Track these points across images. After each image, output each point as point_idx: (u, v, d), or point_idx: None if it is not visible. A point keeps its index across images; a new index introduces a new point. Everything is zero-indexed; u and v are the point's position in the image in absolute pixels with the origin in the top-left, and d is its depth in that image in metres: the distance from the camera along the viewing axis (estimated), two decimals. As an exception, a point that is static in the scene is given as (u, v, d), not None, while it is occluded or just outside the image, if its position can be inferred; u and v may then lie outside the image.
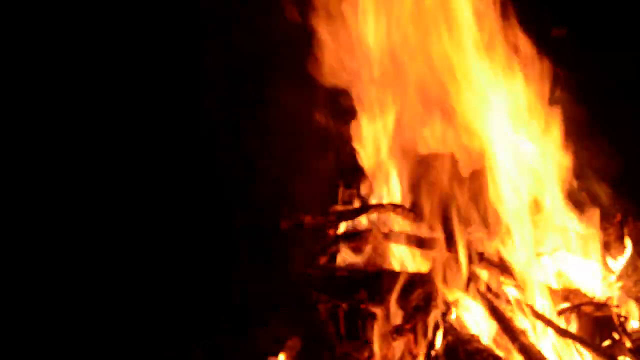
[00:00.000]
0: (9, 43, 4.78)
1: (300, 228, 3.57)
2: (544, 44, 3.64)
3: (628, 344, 3.17)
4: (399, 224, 3.60)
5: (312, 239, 3.61)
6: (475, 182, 3.47)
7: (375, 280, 3.29)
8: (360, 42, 3.66)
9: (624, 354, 3.15)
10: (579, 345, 3.17)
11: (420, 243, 3.46)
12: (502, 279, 3.33)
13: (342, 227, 3.64)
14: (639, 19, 4.67)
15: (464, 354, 3.08)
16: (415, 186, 3.58)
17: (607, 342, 3.18)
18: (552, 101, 3.62)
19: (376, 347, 3.19)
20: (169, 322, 3.94)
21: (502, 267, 3.35)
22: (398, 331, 3.14)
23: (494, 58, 3.58)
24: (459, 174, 3.49)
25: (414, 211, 3.55)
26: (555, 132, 3.59)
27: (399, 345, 3.17)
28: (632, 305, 3.40)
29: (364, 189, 3.77)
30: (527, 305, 3.23)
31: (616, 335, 3.18)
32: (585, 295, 3.36)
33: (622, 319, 3.26)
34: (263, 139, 4.56)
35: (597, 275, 3.47)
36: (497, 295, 3.27)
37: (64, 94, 4.85)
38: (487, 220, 3.41)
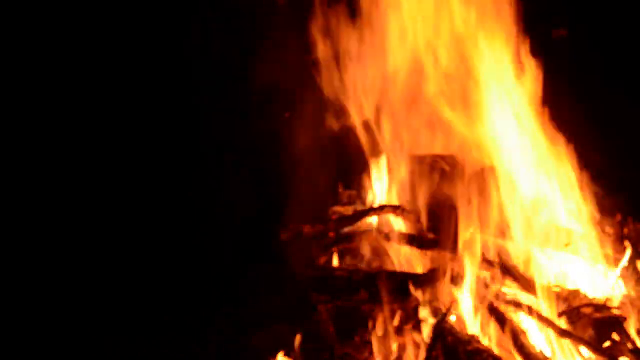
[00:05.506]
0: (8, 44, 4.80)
1: (300, 237, 3.58)
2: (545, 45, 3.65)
3: (628, 345, 3.17)
4: (399, 224, 3.60)
5: (313, 241, 3.62)
6: (475, 182, 3.48)
7: (375, 280, 3.29)
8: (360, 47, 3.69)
9: (624, 355, 3.14)
10: (579, 346, 3.17)
11: (421, 243, 3.47)
12: (502, 279, 3.33)
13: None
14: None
15: (464, 354, 3.07)
16: (415, 187, 3.59)
17: (607, 343, 3.17)
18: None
19: (376, 347, 3.19)
20: (169, 322, 3.94)
21: (503, 268, 3.35)
22: (398, 331, 3.15)
23: (496, 56, 3.59)
24: (460, 175, 3.49)
25: (413, 212, 3.55)
26: (556, 132, 3.60)
27: (398, 345, 3.17)
28: (632, 305, 3.39)
29: (363, 190, 3.78)
30: (527, 305, 3.24)
31: (616, 336, 3.18)
32: (585, 296, 3.35)
33: (622, 320, 3.26)
34: (262, 140, 4.56)
35: (596, 275, 3.47)
36: (497, 296, 3.27)
37: (64, 95, 4.86)
38: (488, 221, 3.41)
